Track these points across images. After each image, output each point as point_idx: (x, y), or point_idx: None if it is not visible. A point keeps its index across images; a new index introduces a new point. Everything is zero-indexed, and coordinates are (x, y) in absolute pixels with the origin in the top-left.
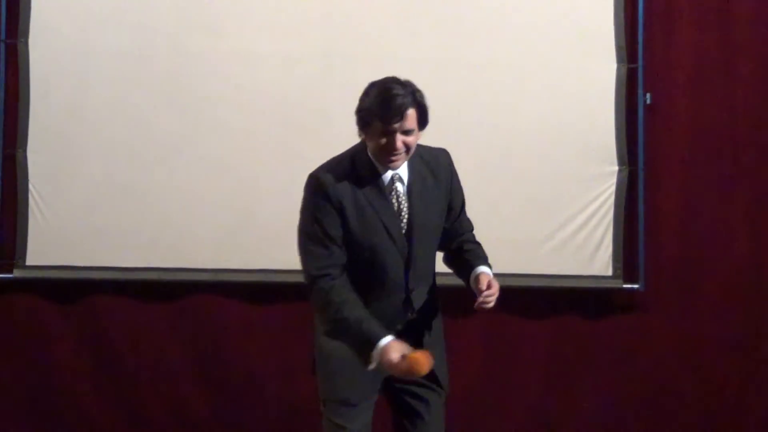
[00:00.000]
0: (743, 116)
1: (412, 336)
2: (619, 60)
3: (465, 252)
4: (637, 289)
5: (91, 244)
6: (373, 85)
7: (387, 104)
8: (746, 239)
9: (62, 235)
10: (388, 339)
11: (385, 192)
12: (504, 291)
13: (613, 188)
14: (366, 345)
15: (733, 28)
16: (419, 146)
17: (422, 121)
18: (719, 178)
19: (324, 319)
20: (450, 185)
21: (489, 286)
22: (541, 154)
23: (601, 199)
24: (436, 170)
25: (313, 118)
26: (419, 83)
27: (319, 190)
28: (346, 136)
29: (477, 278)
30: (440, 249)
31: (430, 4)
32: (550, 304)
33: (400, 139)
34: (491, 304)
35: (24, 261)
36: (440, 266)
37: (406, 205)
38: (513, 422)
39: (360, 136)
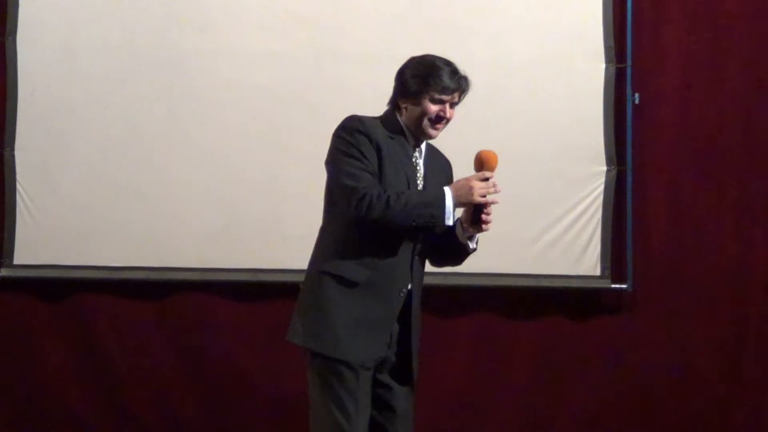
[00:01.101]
0: (731, 116)
1: (406, 312)
2: (608, 60)
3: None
4: (625, 289)
5: (79, 243)
6: (423, 57)
7: (454, 76)
8: (734, 239)
9: (50, 234)
10: (447, 187)
11: (410, 153)
12: (492, 291)
13: (602, 188)
14: (437, 199)
15: (721, 29)
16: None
17: (461, 99)
18: (707, 178)
19: (385, 214)
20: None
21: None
22: (530, 153)
23: (590, 199)
24: (441, 163)
25: (303, 116)
26: None
27: (360, 128)
28: None
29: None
30: (429, 252)
31: (420, 3)
32: (538, 304)
33: (449, 110)
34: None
35: (11, 260)
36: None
37: (422, 174)
38: (501, 422)
39: (394, 104)
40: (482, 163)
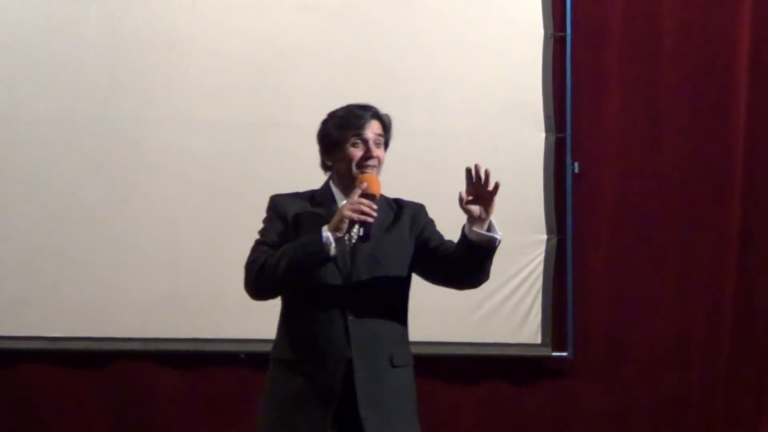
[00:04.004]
0: (670, 185)
1: (351, 389)
2: (548, 129)
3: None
4: (566, 356)
5: (18, 312)
6: (332, 112)
7: (357, 112)
8: (674, 307)
9: None
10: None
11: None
12: (433, 359)
13: (542, 257)
14: (313, 236)
15: (659, 98)
16: (390, 198)
17: (386, 136)
18: (647, 247)
19: (262, 273)
20: (417, 226)
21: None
22: None
23: (530, 267)
24: (400, 213)
25: (244, 185)
26: None
27: (271, 205)
28: None
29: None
30: (431, 269)
31: (360, 72)
32: (479, 371)
33: (373, 147)
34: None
35: None
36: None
37: (357, 236)
38: None
39: (325, 165)
40: (360, 185)
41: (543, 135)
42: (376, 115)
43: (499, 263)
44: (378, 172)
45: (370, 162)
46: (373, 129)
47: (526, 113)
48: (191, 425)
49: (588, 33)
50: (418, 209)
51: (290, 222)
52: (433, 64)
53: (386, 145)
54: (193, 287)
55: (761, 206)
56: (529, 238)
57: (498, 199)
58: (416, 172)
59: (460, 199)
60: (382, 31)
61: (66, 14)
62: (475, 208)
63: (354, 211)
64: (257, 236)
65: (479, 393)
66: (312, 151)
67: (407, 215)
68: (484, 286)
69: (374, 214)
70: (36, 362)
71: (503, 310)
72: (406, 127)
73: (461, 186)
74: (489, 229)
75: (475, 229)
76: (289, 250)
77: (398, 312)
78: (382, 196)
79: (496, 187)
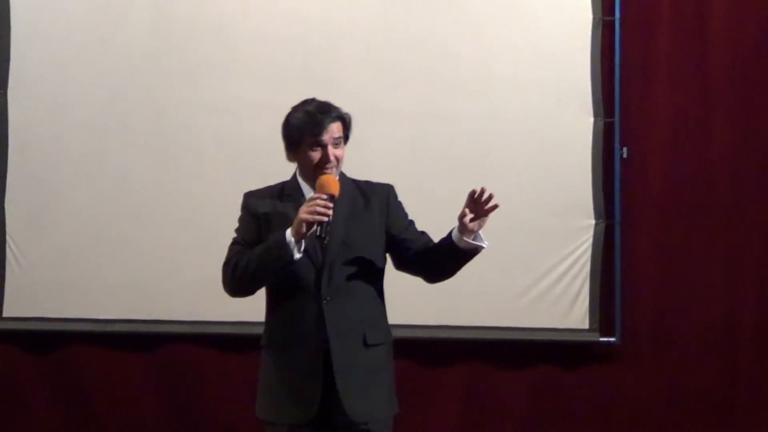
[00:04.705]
0: (719, 171)
1: (328, 368)
2: (596, 114)
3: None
4: (614, 342)
5: (69, 295)
6: (295, 109)
7: (317, 116)
8: (722, 293)
9: (39, 287)
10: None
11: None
12: (480, 343)
13: (590, 242)
14: (278, 236)
15: (709, 83)
16: (361, 181)
17: (346, 133)
18: (695, 232)
19: (234, 276)
20: (386, 212)
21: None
22: (518, 207)
23: (578, 252)
24: (371, 197)
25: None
26: (397, 134)
27: (243, 203)
28: None
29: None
30: (400, 258)
31: (410, 57)
32: (527, 356)
33: (331, 150)
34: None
35: (0, 312)
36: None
37: (326, 224)
38: None
39: (289, 159)
40: (319, 187)
41: (591, 120)
42: (338, 117)
43: (547, 248)
44: (338, 170)
45: (328, 165)
46: (332, 133)
47: (574, 98)
48: (238, 407)
49: (637, 17)
50: (388, 191)
51: (261, 220)
52: (482, 47)
53: (346, 139)
54: None
55: None
56: (577, 223)
57: (546, 184)
58: (463, 155)
59: (463, 215)
60: (431, 15)
61: None
62: (473, 224)
63: (309, 213)
64: (237, 231)
65: (527, 377)
66: (359, 133)
67: (378, 198)
68: (533, 271)
69: (329, 212)
70: (86, 344)
71: (551, 295)
72: (455, 110)
73: (508, 169)
74: (475, 238)
75: (465, 238)
76: (255, 255)
77: (372, 293)
78: (352, 181)
79: (495, 207)
